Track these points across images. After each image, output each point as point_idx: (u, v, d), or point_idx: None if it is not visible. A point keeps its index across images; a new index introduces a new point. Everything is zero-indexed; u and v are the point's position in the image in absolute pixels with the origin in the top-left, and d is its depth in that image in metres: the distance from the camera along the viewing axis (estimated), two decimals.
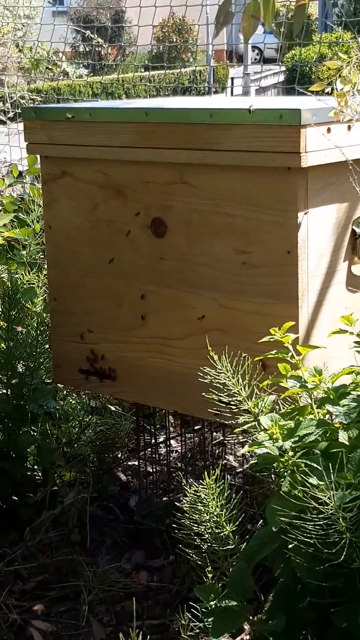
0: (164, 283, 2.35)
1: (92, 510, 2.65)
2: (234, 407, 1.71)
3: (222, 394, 1.74)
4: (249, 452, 1.63)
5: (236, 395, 1.70)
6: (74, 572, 2.41)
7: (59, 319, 2.61)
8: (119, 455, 3.01)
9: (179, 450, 3.05)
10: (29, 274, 3.11)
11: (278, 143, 2.06)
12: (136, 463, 2.90)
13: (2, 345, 2.68)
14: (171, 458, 2.93)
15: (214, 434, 2.95)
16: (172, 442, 3.06)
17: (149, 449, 2.91)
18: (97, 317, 2.52)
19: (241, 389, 1.70)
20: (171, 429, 3.11)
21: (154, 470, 2.87)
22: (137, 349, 2.44)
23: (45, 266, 2.87)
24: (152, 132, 2.26)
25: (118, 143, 2.34)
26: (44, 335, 2.72)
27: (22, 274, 3.04)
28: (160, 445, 3.00)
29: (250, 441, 1.65)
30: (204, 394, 1.88)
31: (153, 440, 2.91)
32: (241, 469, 2.75)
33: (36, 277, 3.08)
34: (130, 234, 2.39)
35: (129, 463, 3.03)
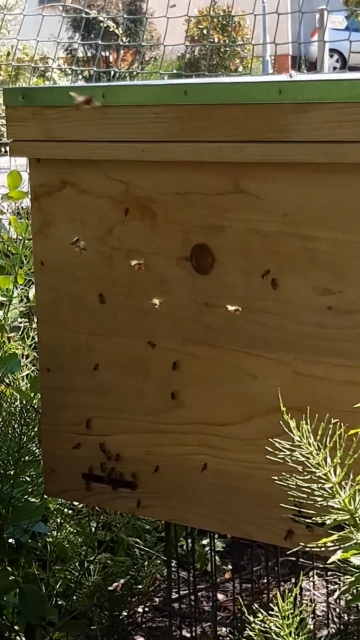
0: (208, 341, 2.37)
1: None
2: (319, 500, 1.72)
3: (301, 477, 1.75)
4: (342, 558, 1.63)
5: (323, 481, 1.70)
6: None
7: (54, 400, 2.63)
8: (139, 611, 3.00)
9: (230, 609, 3.04)
10: (10, 342, 3.16)
11: None
12: (166, 624, 2.89)
13: None
14: (218, 617, 2.92)
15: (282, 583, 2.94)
16: (219, 594, 3.05)
17: (185, 604, 2.89)
18: (110, 395, 2.54)
19: (330, 473, 1.71)
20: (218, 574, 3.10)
21: (192, 634, 2.85)
22: (169, 441, 2.45)
23: (33, 326, 2.90)
24: (194, 119, 2.32)
25: (145, 136, 2.40)
26: (30, 427, 2.74)
27: (2, 341, 3.09)
28: (202, 598, 2.99)
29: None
30: (273, 477, 1.88)
31: (190, 591, 2.90)
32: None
33: (20, 345, 3.13)
34: (161, 271, 2.43)
35: (154, 624, 3.01)
